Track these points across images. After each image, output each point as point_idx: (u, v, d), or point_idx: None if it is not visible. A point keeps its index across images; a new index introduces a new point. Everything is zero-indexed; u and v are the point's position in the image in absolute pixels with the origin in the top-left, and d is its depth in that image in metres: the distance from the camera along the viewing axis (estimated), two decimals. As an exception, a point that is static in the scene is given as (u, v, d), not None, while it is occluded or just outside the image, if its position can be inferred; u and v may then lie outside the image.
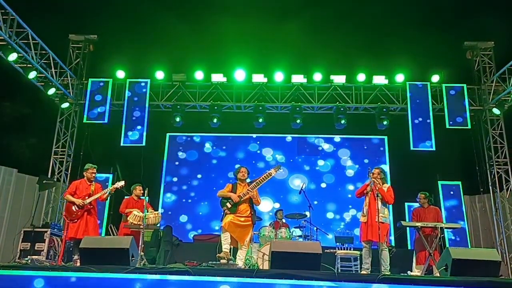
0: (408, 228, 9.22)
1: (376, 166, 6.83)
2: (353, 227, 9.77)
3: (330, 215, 10.92)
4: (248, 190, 6.30)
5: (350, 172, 11.25)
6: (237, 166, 6.78)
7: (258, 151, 11.48)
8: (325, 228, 9.70)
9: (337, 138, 11.50)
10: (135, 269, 4.75)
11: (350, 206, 10.88)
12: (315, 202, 10.73)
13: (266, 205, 10.79)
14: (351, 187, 11.02)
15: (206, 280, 4.48)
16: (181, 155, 11.49)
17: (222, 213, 6.42)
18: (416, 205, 7.87)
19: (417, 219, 7.22)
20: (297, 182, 10.99)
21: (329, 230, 9.70)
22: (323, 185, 11.16)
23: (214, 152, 11.49)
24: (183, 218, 10.98)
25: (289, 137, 11.53)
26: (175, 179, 11.29)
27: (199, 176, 11.31)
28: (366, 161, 11.20)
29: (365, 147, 11.42)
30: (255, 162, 11.31)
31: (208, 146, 11.54)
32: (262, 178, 6.36)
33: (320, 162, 11.34)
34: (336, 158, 11.37)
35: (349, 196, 10.91)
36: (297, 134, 11.39)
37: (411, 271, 7.08)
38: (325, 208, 10.93)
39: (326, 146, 11.48)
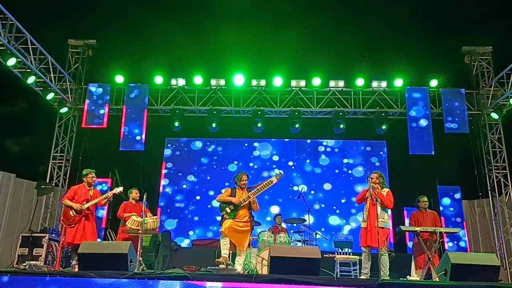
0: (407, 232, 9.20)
1: (375, 170, 6.82)
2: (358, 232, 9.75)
3: (331, 220, 10.88)
4: (248, 195, 6.30)
5: (349, 177, 11.23)
6: (237, 172, 6.79)
7: (257, 155, 11.47)
8: (328, 233, 9.69)
9: (336, 143, 11.50)
10: (133, 274, 4.74)
11: (354, 211, 10.83)
12: (317, 207, 10.75)
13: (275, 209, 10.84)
14: (350, 191, 10.98)
15: (207, 286, 4.46)
16: (180, 159, 11.47)
17: (221, 218, 6.41)
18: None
19: (416, 223, 7.21)
20: (296, 187, 10.97)
21: (332, 235, 9.65)
22: (323, 189, 11.14)
23: (213, 156, 11.47)
24: (179, 222, 10.95)
25: (288, 141, 11.52)
26: (173, 183, 11.28)
27: (194, 179, 11.28)
28: (364, 165, 11.19)
29: (364, 152, 11.41)
30: (254, 165, 11.31)
31: (207, 151, 11.52)
32: (263, 185, 6.37)
33: (319, 167, 11.33)
34: (335, 163, 11.36)
35: (352, 199, 10.87)
36: (296, 138, 11.39)
37: (410, 276, 7.07)
38: (326, 213, 10.91)
39: (324, 151, 11.47)
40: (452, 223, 9.93)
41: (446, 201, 10.21)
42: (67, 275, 4.75)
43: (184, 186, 11.25)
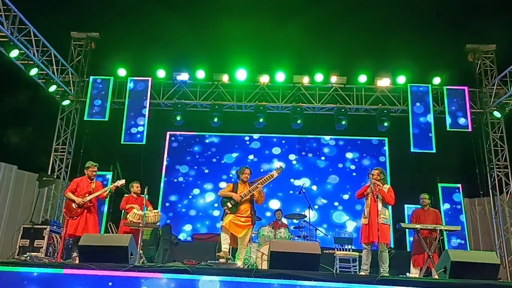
0: (407, 230, 9.21)
1: (376, 167, 6.81)
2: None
3: (335, 216, 10.87)
4: (249, 190, 6.30)
5: (350, 173, 11.23)
6: (241, 166, 6.75)
7: (259, 150, 11.47)
8: (331, 229, 9.68)
9: (337, 139, 11.49)
10: (133, 267, 4.75)
11: (359, 207, 10.78)
12: (319, 203, 10.76)
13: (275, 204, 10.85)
14: (352, 187, 10.94)
15: (205, 279, 4.48)
16: (182, 154, 11.48)
17: (223, 213, 6.42)
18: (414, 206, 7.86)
19: (417, 220, 7.21)
20: (298, 182, 10.96)
21: (335, 232, 9.66)
22: (324, 184, 11.14)
23: (214, 152, 11.47)
24: (176, 216, 10.96)
25: (289, 137, 11.51)
26: (177, 178, 11.29)
27: (193, 173, 11.30)
28: (366, 162, 11.19)
29: (365, 149, 11.40)
30: (256, 161, 11.31)
31: (209, 146, 11.53)
32: (264, 179, 6.35)
33: (320, 163, 11.34)
34: (336, 159, 11.35)
35: (354, 196, 10.83)
36: (298, 134, 11.39)
37: (410, 273, 7.07)
38: (329, 208, 10.91)
39: (326, 147, 11.47)
40: (452, 221, 9.92)
41: (446, 199, 10.20)
42: (68, 266, 4.77)
43: (181, 179, 11.23)
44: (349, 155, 11.37)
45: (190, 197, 11.12)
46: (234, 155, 11.40)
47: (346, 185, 11.11)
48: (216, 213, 10.76)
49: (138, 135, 10.49)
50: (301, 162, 11.36)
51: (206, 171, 11.31)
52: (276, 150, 11.46)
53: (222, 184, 10.89)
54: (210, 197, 11.04)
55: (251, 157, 11.36)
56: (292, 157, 11.39)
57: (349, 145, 11.45)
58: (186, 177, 11.29)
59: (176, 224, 10.51)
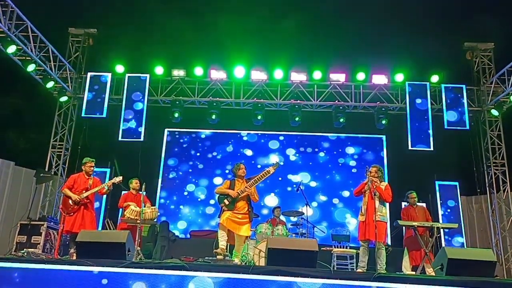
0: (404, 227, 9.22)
1: (373, 164, 6.83)
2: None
3: (336, 214, 10.85)
4: (246, 187, 6.29)
5: (348, 171, 11.23)
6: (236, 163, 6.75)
7: (256, 146, 11.45)
8: (332, 227, 9.71)
9: (335, 137, 11.48)
10: (131, 263, 4.76)
11: (361, 205, 10.76)
12: (320, 199, 10.76)
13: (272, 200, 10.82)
14: (353, 184, 10.91)
15: (201, 275, 4.49)
16: (179, 150, 11.47)
17: (220, 210, 6.42)
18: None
19: (408, 218, 7.26)
20: (297, 178, 10.93)
21: (336, 230, 9.69)
22: (322, 181, 11.13)
23: (212, 149, 11.47)
24: (170, 213, 10.95)
25: (287, 134, 11.50)
26: (173, 174, 11.28)
27: (190, 170, 11.28)
28: (367, 157, 11.19)
29: (363, 146, 11.40)
30: (253, 157, 11.30)
31: (206, 143, 11.52)
32: (261, 175, 6.34)
33: (318, 160, 11.34)
34: (333, 157, 11.35)
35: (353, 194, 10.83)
36: (296, 131, 11.38)
37: (402, 269, 7.10)
38: (329, 206, 10.90)
39: (326, 142, 11.47)
40: (449, 219, 9.95)
41: (443, 196, 10.22)
42: (64, 263, 4.77)
43: (176, 176, 11.21)
44: (350, 151, 11.35)
45: (186, 194, 11.09)
46: (229, 149, 11.37)
47: (346, 181, 11.06)
48: (210, 210, 10.76)
49: (136, 132, 10.45)
50: (300, 157, 11.33)
51: (201, 166, 11.27)
52: (274, 144, 11.44)
53: (217, 180, 10.90)
54: (204, 193, 11.02)
55: (248, 153, 11.35)
56: (290, 151, 11.38)
57: (347, 143, 11.43)
58: (182, 173, 11.27)
59: (170, 221, 10.52)
